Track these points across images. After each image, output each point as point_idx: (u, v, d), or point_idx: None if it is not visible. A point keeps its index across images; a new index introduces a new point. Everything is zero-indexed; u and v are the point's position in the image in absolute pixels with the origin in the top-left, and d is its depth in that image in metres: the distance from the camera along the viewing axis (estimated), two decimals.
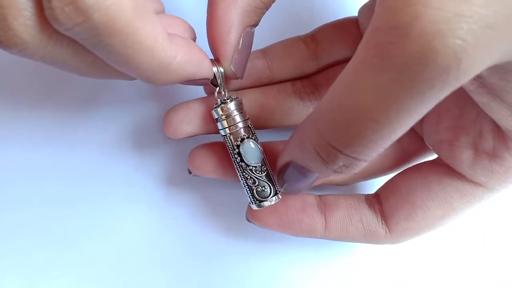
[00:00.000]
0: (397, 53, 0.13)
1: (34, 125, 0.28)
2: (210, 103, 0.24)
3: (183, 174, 0.28)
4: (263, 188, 0.23)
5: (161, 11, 0.22)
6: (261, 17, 0.21)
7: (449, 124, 0.22)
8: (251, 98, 0.25)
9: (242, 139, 0.22)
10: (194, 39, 0.22)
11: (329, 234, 0.24)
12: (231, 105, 0.22)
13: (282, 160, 0.21)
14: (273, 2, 0.21)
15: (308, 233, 0.24)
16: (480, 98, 0.19)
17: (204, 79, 0.21)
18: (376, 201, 0.24)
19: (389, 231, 0.23)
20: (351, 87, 0.16)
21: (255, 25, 0.21)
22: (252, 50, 0.25)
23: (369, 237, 0.24)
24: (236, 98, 0.23)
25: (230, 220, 0.28)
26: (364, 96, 0.15)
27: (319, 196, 0.25)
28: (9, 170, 0.28)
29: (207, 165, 0.24)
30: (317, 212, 0.24)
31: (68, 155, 0.28)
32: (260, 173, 0.23)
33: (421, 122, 0.24)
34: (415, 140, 0.25)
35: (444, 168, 0.23)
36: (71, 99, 0.28)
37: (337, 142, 0.17)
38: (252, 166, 0.22)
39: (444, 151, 0.23)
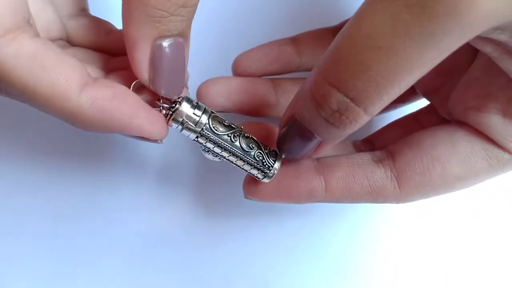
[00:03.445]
0: None
1: (38, 130, 0.29)
2: (251, 85, 0.24)
3: (181, 176, 0.29)
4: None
5: None
6: (175, 24, 0.17)
7: (477, 92, 0.22)
8: (289, 90, 0.25)
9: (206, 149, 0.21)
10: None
11: (331, 196, 0.22)
12: (184, 107, 0.19)
13: (284, 116, 0.20)
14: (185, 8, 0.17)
15: (308, 197, 0.22)
16: (506, 65, 0.19)
17: (147, 138, 0.19)
18: (387, 156, 0.22)
19: (399, 187, 0.21)
20: (359, 16, 0.15)
21: (172, 35, 0.18)
22: (280, 39, 0.25)
23: (374, 195, 0.22)
24: (184, 97, 0.20)
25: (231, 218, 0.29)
26: (370, 22, 0.15)
27: (317, 159, 0.23)
28: (15, 178, 0.28)
29: None
30: (315, 174, 0.22)
31: (70, 163, 0.29)
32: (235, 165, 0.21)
33: (445, 97, 0.24)
34: (436, 121, 0.24)
35: (474, 129, 0.22)
36: None
37: (334, 77, 0.16)
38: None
39: (471, 117, 0.22)
